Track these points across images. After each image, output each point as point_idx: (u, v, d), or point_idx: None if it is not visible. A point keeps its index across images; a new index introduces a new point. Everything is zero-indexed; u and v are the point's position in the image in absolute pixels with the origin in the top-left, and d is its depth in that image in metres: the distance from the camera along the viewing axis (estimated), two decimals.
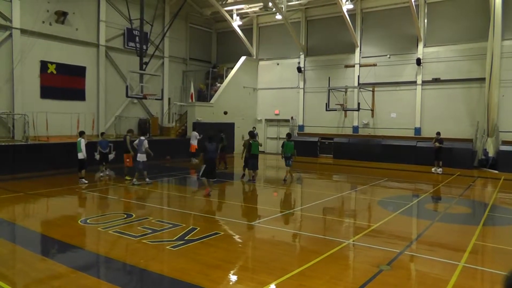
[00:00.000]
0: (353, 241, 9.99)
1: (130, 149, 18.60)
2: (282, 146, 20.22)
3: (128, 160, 18.80)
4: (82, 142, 17.63)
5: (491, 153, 24.92)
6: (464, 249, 9.19)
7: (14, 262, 8.52)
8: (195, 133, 25.33)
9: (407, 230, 11.78)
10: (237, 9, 35.15)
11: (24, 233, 10.66)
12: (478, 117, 26.15)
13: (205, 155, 15.48)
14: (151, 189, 16.81)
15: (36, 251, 9.28)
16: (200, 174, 15.58)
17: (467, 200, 16.41)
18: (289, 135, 20.82)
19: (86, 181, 17.47)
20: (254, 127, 26.41)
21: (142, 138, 17.76)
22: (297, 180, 20.82)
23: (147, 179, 17.70)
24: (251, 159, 18.93)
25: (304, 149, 27.85)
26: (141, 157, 17.44)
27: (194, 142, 25.06)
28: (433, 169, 23.61)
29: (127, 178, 18.63)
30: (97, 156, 19.68)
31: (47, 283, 7.26)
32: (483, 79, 25.46)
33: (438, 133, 23.66)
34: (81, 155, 17.74)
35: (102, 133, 21.27)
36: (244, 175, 19.71)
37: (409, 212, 14.02)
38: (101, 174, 19.62)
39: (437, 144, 23.42)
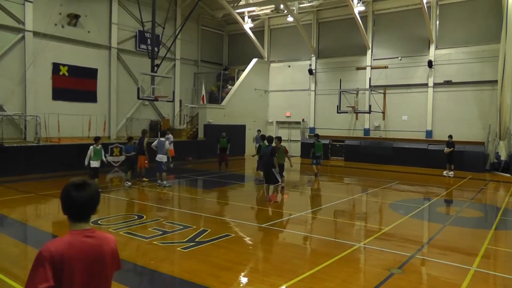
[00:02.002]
0: (364, 244, 9.95)
1: (145, 151, 18.69)
2: (313, 146, 21.32)
3: (146, 161, 18.88)
4: (90, 150, 15.91)
5: (503, 157, 24.69)
6: (476, 253, 9.12)
7: (26, 262, 8.57)
8: (170, 136, 24.01)
9: (419, 234, 11.71)
10: (248, 11, 35.19)
11: (36, 234, 10.73)
12: (490, 120, 25.95)
13: (261, 159, 14.87)
14: (162, 190, 16.85)
15: None
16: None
17: (479, 203, 16.29)
18: (317, 136, 22.13)
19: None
20: (259, 130, 26.29)
21: (162, 139, 17.88)
22: (308, 182, 20.81)
23: (165, 182, 17.77)
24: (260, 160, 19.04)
25: None
26: (162, 158, 17.57)
27: (170, 146, 24.28)
28: (444, 172, 23.47)
29: (145, 180, 18.72)
30: (108, 158, 19.67)
31: None
32: (495, 81, 25.23)
33: (450, 136, 23.52)
34: (92, 163, 15.85)
35: (130, 138, 18.99)
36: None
37: (420, 215, 13.94)
38: (128, 183, 17.77)
39: (447, 149, 23.32)
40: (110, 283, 3.04)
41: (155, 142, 17.96)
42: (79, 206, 2.93)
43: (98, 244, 2.94)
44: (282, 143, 17.09)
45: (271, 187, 15.06)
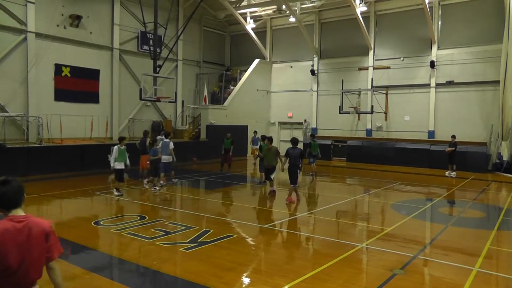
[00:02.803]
0: (367, 244, 9.95)
1: (148, 151, 18.71)
2: (310, 146, 22.33)
3: (148, 162, 18.86)
4: (114, 151, 15.37)
5: (505, 157, 24.66)
6: (478, 254, 9.12)
7: None
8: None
9: (421, 234, 11.71)
10: (250, 12, 35.22)
11: None
12: (492, 120, 25.90)
13: (288, 161, 15.21)
14: (164, 191, 16.85)
15: None
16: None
17: (481, 204, 16.27)
18: (313, 136, 23.28)
19: (120, 192, 15.63)
20: (255, 132, 26.38)
21: (166, 140, 17.85)
22: (310, 183, 20.82)
23: (174, 179, 17.97)
24: (261, 161, 19.13)
25: None
26: (169, 159, 17.63)
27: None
28: (446, 172, 23.44)
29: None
30: (110, 159, 19.59)
31: None
32: (498, 81, 25.22)
33: (453, 136, 23.46)
34: (117, 164, 15.37)
35: (155, 140, 18.41)
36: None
37: (422, 216, 13.93)
38: (157, 188, 17.16)
39: (448, 148, 23.30)
40: (40, 264, 3.67)
41: (159, 144, 17.89)
42: (9, 198, 3.58)
43: (29, 227, 3.56)
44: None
45: (291, 187, 15.27)
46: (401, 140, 28.77)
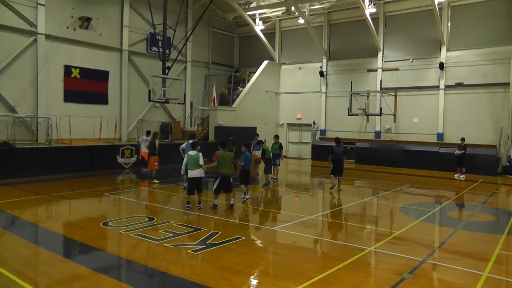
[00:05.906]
0: (375, 248, 9.89)
1: (157, 152, 18.74)
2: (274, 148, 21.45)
3: (156, 163, 18.89)
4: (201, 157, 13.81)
5: None
6: (488, 259, 9.04)
7: (37, 263, 8.62)
8: (144, 137, 21.87)
9: (430, 238, 11.60)
10: (259, 14, 35.24)
11: (47, 235, 10.78)
12: (502, 123, 25.73)
13: (333, 157, 17.95)
14: (172, 192, 16.86)
15: (59, 253, 9.37)
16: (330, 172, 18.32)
17: (491, 207, 16.15)
18: (277, 137, 22.07)
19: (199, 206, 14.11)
20: (257, 134, 26.22)
21: (191, 141, 17.62)
22: (319, 185, 20.76)
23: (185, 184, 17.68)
24: (266, 163, 19.24)
25: (325, 154, 27.48)
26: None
27: (144, 149, 21.27)
28: (455, 175, 23.28)
29: (155, 181, 18.72)
30: (118, 160, 19.54)
31: (69, 284, 7.34)
32: (508, 83, 25.08)
33: (463, 139, 23.30)
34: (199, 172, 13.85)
35: (249, 144, 17.66)
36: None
37: (431, 219, 13.84)
38: (247, 196, 15.67)
39: (458, 151, 23.11)
40: None
41: (183, 145, 17.65)
42: None
43: None
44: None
45: (339, 178, 18.21)
46: (410, 142, 28.65)
